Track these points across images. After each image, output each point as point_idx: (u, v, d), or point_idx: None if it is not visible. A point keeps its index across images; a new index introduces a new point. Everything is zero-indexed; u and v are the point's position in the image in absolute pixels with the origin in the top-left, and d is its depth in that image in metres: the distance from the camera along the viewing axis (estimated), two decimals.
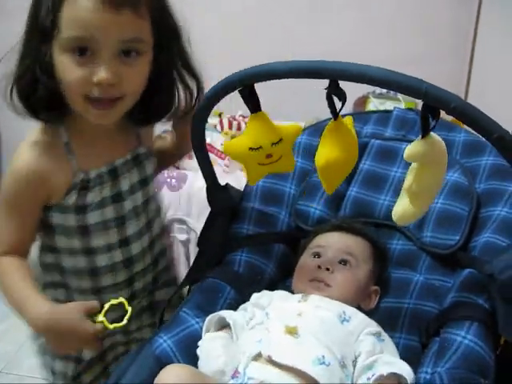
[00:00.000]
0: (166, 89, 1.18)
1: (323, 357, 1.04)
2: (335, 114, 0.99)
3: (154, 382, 0.99)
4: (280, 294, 1.27)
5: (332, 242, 1.31)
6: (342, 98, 0.95)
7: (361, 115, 1.66)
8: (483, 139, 1.43)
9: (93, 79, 1.02)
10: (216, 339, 1.13)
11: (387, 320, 1.23)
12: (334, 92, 0.95)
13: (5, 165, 3.19)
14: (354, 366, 1.08)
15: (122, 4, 1.00)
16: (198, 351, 1.11)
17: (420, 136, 0.96)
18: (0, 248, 1.17)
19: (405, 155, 0.95)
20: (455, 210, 1.32)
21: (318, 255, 1.30)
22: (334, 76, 0.93)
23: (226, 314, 1.18)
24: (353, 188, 1.48)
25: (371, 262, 1.31)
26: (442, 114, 1.56)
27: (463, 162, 1.44)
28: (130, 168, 1.26)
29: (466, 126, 0.97)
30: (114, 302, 1.13)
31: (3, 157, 3.19)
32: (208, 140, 2.20)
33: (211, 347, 1.12)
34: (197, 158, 1.29)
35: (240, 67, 1.05)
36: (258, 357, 1.05)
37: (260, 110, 1.05)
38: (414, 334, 1.22)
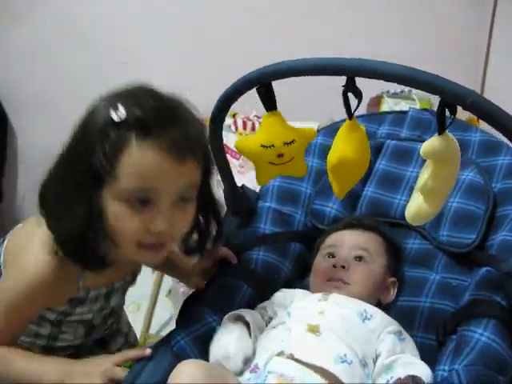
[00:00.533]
0: (204, 225, 1.18)
1: (345, 355, 1.04)
2: (350, 113, 0.99)
3: (169, 379, 0.99)
4: (301, 293, 1.28)
5: (344, 240, 1.32)
6: (359, 96, 0.96)
7: (376, 116, 1.67)
8: (499, 139, 1.48)
9: (150, 228, 0.99)
10: (232, 328, 1.15)
11: (404, 319, 1.23)
12: (351, 90, 0.96)
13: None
14: (375, 365, 1.09)
15: (186, 154, 0.98)
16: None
17: (437, 133, 0.96)
18: None
19: (421, 151, 0.95)
20: (471, 209, 1.32)
21: (331, 255, 1.30)
22: (351, 73, 0.94)
23: (245, 312, 1.19)
24: (368, 188, 1.48)
25: (385, 255, 1.31)
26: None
27: (479, 161, 1.44)
28: (124, 287, 1.28)
29: (482, 125, 0.97)
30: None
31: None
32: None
33: (224, 333, 1.13)
34: (215, 160, 1.29)
35: (252, 67, 1.06)
36: (280, 354, 1.06)
37: (276, 108, 1.06)
38: (431, 332, 1.22)
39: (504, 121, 0.89)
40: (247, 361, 1.09)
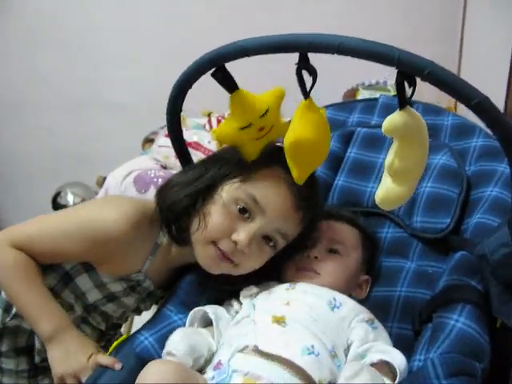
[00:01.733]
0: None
1: (312, 346, 0.99)
2: (305, 92, 0.94)
3: (137, 380, 0.94)
4: (268, 285, 1.22)
5: (321, 231, 1.26)
6: (313, 74, 0.91)
7: (346, 105, 1.62)
8: (473, 122, 1.44)
9: (232, 234, 1.08)
10: (189, 324, 1.12)
11: (379, 309, 1.18)
12: (305, 67, 0.91)
13: None
14: (347, 355, 1.04)
15: (303, 208, 1.11)
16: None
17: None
18: (20, 241, 1.12)
19: (383, 128, 0.90)
20: (445, 193, 1.28)
21: (305, 246, 1.25)
22: (304, 48, 0.89)
23: (210, 309, 1.14)
24: (340, 177, 1.44)
25: (361, 250, 1.26)
26: (431, 99, 1.57)
27: (452, 145, 1.40)
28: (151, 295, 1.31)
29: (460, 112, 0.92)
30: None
31: None
32: (195, 138, 2.17)
33: (179, 330, 1.09)
34: (175, 149, 1.25)
35: None
36: (244, 349, 1.00)
37: (237, 87, 1.01)
38: (407, 322, 1.17)
39: (465, 92, 0.85)
40: (200, 358, 1.04)
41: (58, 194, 2.96)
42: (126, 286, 1.22)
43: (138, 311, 1.34)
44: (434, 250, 1.26)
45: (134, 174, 2.08)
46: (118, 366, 1.03)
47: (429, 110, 1.48)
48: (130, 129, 2.66)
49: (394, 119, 0.89)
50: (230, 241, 1.09)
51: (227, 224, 1.09)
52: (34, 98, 2.96)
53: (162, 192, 1.17)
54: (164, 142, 2.19)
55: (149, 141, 2.41)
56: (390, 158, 0.95)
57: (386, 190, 0.98)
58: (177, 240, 1.17)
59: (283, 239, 1.14)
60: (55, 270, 1.19)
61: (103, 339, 1.33)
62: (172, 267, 1.25)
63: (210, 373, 1.00)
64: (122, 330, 1.48)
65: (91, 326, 1.27)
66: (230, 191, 1.11)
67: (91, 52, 2.88)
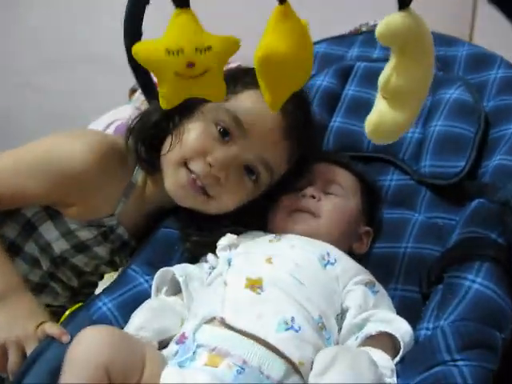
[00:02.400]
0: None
1: (292, 319, 0.80)
2: None
3: (67, 353, 0.77)
4: (251, 235, 1.03)
5: (317, 174, 1.07)
6: None
7: (345, 38, 1.42)
8: (491, 51, 1.23)
9: (207, 156, 0.97)
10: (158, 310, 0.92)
11: (380, 269, 1.01)
12: None
13: None
14: (340, 322, 0.86)
15: (293, 137, 1.00)
16: None
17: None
18: None
19: (377, 33, 0.69)
20: (458, 132, 1.09)
21: (299, 188, 1.05)
22: None
23: (179, 268, 0.96)
24: (336, 118, 1.25)
25: (360, 197, 1.08)
26: (442, 28, 1.36)
27: (468, 78, 1.21)
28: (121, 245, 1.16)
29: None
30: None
31: None
32: None
33: (142, 314, 0.90)
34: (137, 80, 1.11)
35: None
36: (211, 320, 0.82)
37: (188, 5, 0.80)
38: (413, 283, 0.99)
39: None
40: (170, 338, 0.86)
41: None
42: (97, 232, 1.07)
43: (114, 266, 1.18)
44: (446, 198, 1.08)
45: (115, 124, 1.93)
46: (65, 338, 0.86)
47: (439, 39, 1.28)
48: (117, 82, 2.47)
49: (394, 21, 0.68)
50: (203, 163, 0.97)
51: (203, 142, 0.98)
52: (19, 56, 2.78)
53: (132, 123, 1.06)
54: None
55: (135, 91, 2.25)
56: (386, 74, 0.75)
57: (380, 116, 0.78)
58: (147, 164, 1.04)
59: (267, 172, 1.00)
60: (15, 220, 1.05)
61: (76, 299, 1.17)
62: (147, 212, 1.11)
63: (173, 346, 0.83)
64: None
65: (61, 282, 1.12)
66: (210, 110, 0.99)
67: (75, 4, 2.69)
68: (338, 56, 1.36)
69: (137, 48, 0.80)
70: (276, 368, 0.76)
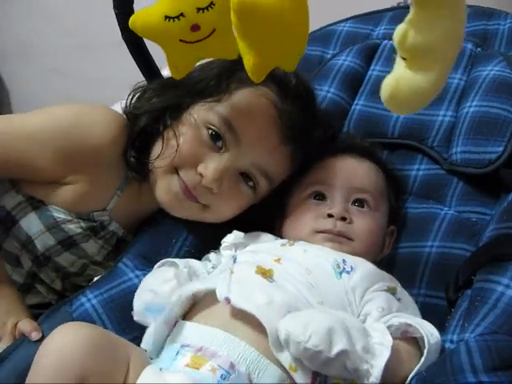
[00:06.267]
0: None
1: None
2: None
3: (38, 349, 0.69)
4: (258, 236, 0.93)
5: (339, 176, 0.93)
6: None
7: (372, 15, 1.28)
8: None
9: (199, 165, 0.89)
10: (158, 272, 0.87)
11: (401, 272, 0.89)
12: None
13: None
14: None
15: (294, 142, 0.92)
16: None
17: None
18: None
19: None
20: (496, 113, 0.94)
21: (320, 196, 0.92)
22: None
23: (181, 261, 0.87)
24: (358, 101, 1.12)
25: (388, 195, 0.95)
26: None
27: (511, 54, 1.05)
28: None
29: None
30: None
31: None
32: None
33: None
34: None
35: None
36: (212, 297, 0.73)
37: None
38: (438, 288, 0.86)
39: None
40: None
41: None
42: (86, 226, 0.97)
43: (106, 267, 1.07)
44: (481, 190, 0.94)
45: None
46: (34, 335, 0.81)
47: (478, 13, 1.16)
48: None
49: None
50: (195, 173, 0.89)
51: (194, 150, 0.90)
52: (46, 39, 2.75)
53: (125, 109, 0.98)
54: (168, 73, 1.94)
55: None
56: (402, 29, 0.61)
57: (397, 80, 0.65)
58: (135, 169, 0.96)
59: (266, 180, 0.92)
60: None
61: None
62: (143, 211, 1.02)
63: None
64: None
65: (45, 285, 1.03)
66: (201, 112, 0.91)
67: None
68: (363, 35, 1.23)
69: (134, 20, 0.70)
70: (267, 377, 0.66)
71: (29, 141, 0.90)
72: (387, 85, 0.67)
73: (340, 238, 0.87)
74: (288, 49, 0.67)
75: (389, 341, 0.67)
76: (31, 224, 0.95)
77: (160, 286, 0.81)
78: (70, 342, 0.67)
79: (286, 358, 0.66)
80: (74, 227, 0.96)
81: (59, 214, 0.95)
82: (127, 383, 0.69)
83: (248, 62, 0.65)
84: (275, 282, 0.74)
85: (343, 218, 0.87)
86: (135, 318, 0.82)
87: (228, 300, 0.70)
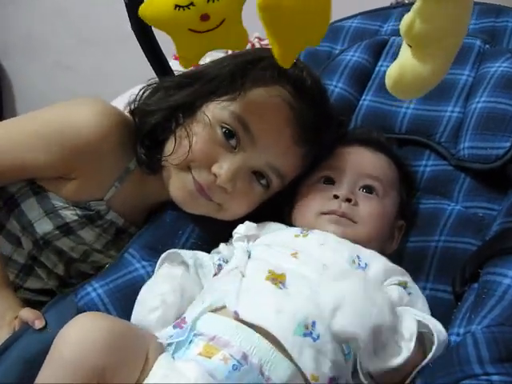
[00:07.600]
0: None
1: (313, 324, 0.69)
2: None
3: (55, 339, 0.68)
4: (270, 226, 0.93)
5: (350, 162, 0.94)
6: None
7: (379, 12, 1.28)
8: None
9: (213, 165, 0.89)
10: (165, 278, 0.85)
11: (409, 265, 0.88)
12: None
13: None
14: None
15: (307, 141, 0.91)
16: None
17: None
18: None
19: None
20: (504, 109, 0.95)
21: (329, 180, 0.93)
22: None
23: (188, 252, 0.87)
24: (366, 96, 1.12)
25: (399, 188, 0.95)
26: None
27: None
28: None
29: None
30: None
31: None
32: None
33: (151, 291, 0.83)
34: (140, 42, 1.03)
35: None
36: (218, 310, 0.72)
37: None
38: (445, 282, 0.86)
39: None
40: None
41: None
42: (82, 214, 0.97)
43: (109, 256, 1.08)
44: (488, 185, 0.95)
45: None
46: (37, 324, 0.79)
47: (486, 10, 1.16)
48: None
49: None
50: (208, 172, 0.89)
51: (209, 149, 0.90)
52: (50, 34, 2.75)
53: (134, 104, 0.98)
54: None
55: None
56: (409, 17, 0.62)
57: (401, 67, 0.66)
58: (146, 165, 0.95)
59: (278, 178, 0.93)
60: None
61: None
62: (148, 203, 1.03)
63: (169, 329, 0.74)
64: None
65: (47, 268, 1.03)
66: (215, 111, 0.91)
67: None
68: (371, 31, 1.23)
69: (143, 9, 0.71)
70: (279, 371, 0.66)
71: (25, 145, 0.91)
72: (392, 70, 0.68)
73: (344, 220, 0.87)
74: (312, 34, 0.69)
75: (409, 349, 0.68)
76: (31, 208, 0.96)
77: (147, 316, 0.80)
78: (89, 333, 0.67)
79: (305, 360, 0.66)
80: (70, 214, 0.97)
81: (57, 201, 0.95)
82: (145, 371, 0.69)
83: (275, 50, 0.68)
84: (286, 289, 0.73)
85: (349, 200, 0.88)
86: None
87: (237, 314, 0.70)
